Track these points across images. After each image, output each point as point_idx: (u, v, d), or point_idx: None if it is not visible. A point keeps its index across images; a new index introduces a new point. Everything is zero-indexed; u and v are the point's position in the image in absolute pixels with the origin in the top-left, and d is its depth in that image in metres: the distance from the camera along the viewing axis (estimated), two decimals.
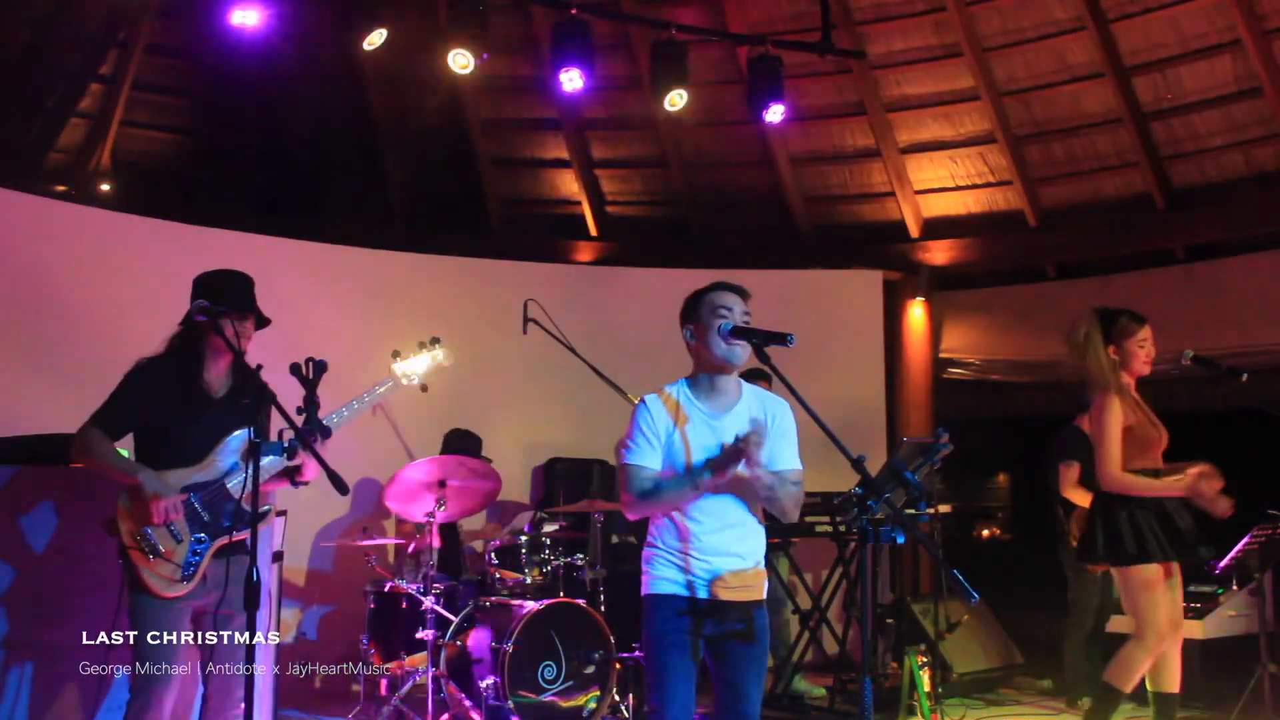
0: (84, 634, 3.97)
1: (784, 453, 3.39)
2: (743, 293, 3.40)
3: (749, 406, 3.38)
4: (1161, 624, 4.47)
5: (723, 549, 3.30)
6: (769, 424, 3.34)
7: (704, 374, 3.37)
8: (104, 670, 3.93)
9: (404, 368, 4.17)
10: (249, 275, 3.88)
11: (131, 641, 3.63)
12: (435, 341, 4.26)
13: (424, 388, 4.21)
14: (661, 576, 3.30)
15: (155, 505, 3.58)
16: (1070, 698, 6.29)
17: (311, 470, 3.73)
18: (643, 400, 3.36)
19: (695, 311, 3.36)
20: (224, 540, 3.71)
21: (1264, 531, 5.56)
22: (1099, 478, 4.55)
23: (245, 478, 3.67)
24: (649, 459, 3.28)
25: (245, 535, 3.66)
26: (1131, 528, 4.50)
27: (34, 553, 4.15)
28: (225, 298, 3.69)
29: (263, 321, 3.85)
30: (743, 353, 3.32)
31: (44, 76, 7.98)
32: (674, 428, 3.29)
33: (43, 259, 6.46)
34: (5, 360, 6.20)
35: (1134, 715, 5.56)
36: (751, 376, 6.14)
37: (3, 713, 4.03)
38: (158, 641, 3.60)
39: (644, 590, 3.35)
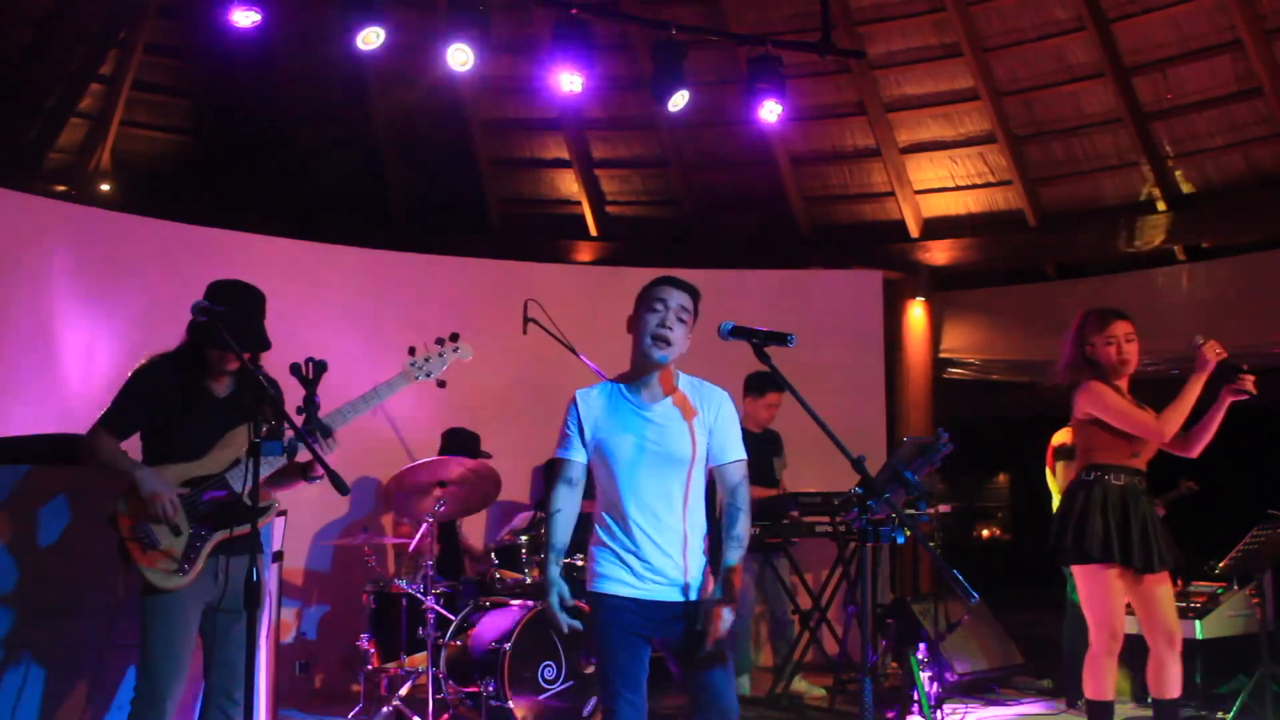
0: (88, 634, 3.98)
1: (731, 443, 3.38)
2: (682, 285, 3.36)
3: (686, 398, 3.36)
4: (1110, 624, 4.39)
5: (661, 548, 3.29)
6: (712, 417, 3.35)
7: (637, 367, 3.36)
8: (105, 670, 3.93)
9: (421, 364, 4.13)
10: (259, 294, 3.85)
11: (140, 641, 3.63)
12: (455, 338, 4.22)
13: (441, 383, 4.18)
14: (607, 575, 3.30)
15: (153, 502, 3.59)
16: (1070, 697, 6.30)
17: (315, 466, 3.73)
18: (573, 397, 3.39)
19: (637, 306, 3.37)
20: (224, 535, 3.72)
21: (1264, 531, 5.57)
22: (1154, 443, 4.40)
23: (247, 473, 3.67)
24: (576, 453, 3.33)
25: (245, 531, 3.67)
26: (1077, 524, 4.41)
27: (41, 552, 4.16)
28: (232, 311, 3.65)
29: (259, 344, 3.79)
30: (662, 354, 3.28)
31: (44, 76, 7.98)
32: (600, 418, 3.31)
33: (43, 259, 6.46)
34: (6, 360, 6.20)
35: (1134, 715, 5.57)
36: (756, 378, 6.11)
37: (5, 713, 4.03)
38: (165, 641, 3.60)
39: (591, 587, 3.33)
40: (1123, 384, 4.54)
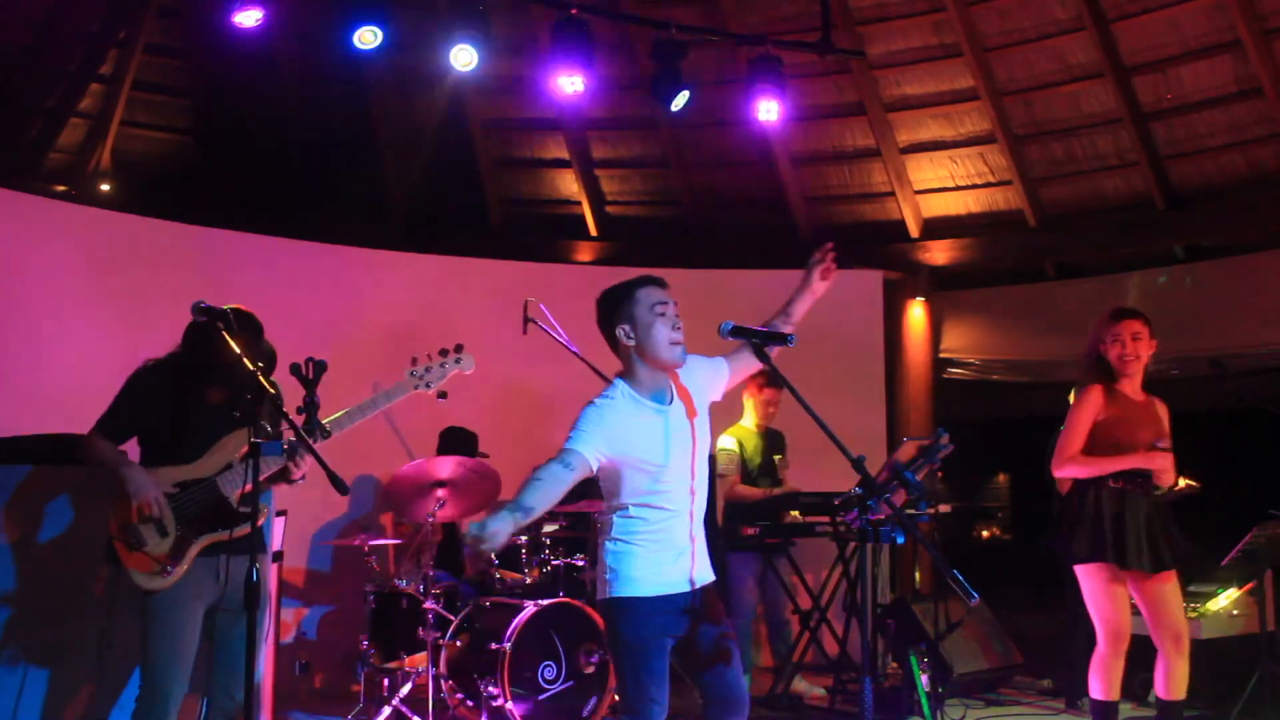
0: (89, 634, 3.98)
1: (711, 361, 3.54)
2: (664, 283, 3.40)
3: (688, 386, 3.43)
4: (1114, 624, 4.41)
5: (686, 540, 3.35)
6: (701, 378, 3.47)
7: (646, 371, 3.36)
8: (106, 670, 3.93)
9: (421, 374, 4.11)
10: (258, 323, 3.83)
11: (141, 640, 3.64)
12: (459, 349, 4.20)
13: (442, 394, 4.17)
14: (638, 578, 3.28)
15: (136, 500, 3.60)
16: (1070, 697, 6.29)
17: (300, 469, 3.72)
18: (594, 401, 3.33)
19: (629, 309, 3.34)
20: (213, 538, 3.71)
21: (1265, 531, 5.56)
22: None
23: (238, 476, 3.68)
24: (584, 446, 3.22)
25: (244, 533, 3.68)
26: (1090, 526, 4.45)
27: (44, 551, 4.17)
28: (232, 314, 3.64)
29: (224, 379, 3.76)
30: (685, 353, 3.34)
31: (44, 76, 7.97)
32: (626, 426, 3.28)
33: (43, 259, 6.46)
34: (5, 360, 6.21)
35: (1133, 716, 5.57)
36: (756, 376, 6.09)
37: (6, 713, 4.03)
38: (166, 640, 3.61)
39: (617, 593, 3.28)
40: (1128, 384, 4.54)
